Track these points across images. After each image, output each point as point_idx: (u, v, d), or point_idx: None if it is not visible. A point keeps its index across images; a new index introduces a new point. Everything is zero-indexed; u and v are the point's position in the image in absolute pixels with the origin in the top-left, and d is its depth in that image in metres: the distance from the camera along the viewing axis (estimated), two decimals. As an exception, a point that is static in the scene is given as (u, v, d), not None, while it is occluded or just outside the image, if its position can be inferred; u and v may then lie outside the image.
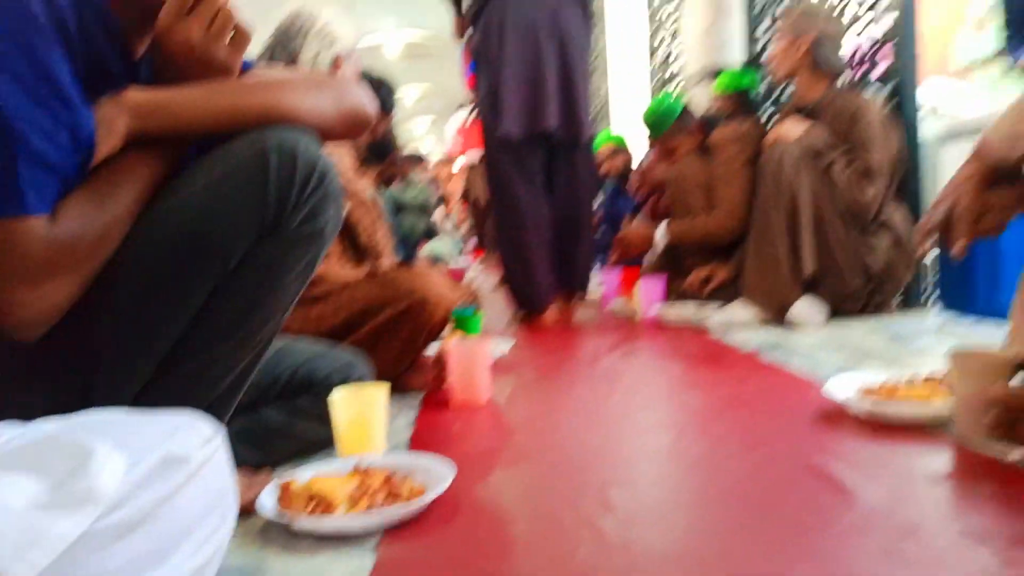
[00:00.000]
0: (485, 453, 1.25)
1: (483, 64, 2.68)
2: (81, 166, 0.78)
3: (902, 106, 2.47)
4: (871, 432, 1.18)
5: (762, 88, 3.43)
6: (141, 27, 0.89)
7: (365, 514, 0.91)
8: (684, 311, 2.54)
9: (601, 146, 4.08)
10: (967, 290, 2.51)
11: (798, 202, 2.25)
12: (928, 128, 2.85)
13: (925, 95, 2.95)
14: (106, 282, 0.79)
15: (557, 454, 1.23)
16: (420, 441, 1.32)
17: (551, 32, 2.60)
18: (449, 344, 1.61)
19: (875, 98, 2.46)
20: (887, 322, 2.26)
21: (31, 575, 0.52)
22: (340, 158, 1.79)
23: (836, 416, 1.28)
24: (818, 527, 0.85)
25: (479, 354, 1.58)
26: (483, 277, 4.81)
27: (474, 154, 5.69)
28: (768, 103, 3.40)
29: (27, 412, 0.70)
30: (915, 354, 1.78)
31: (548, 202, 2.69)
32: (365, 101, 1.00)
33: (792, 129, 2.34)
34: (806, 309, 2.25)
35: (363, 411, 1.15)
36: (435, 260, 4.94)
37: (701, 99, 3.60)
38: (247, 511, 0.93)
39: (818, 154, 2.28)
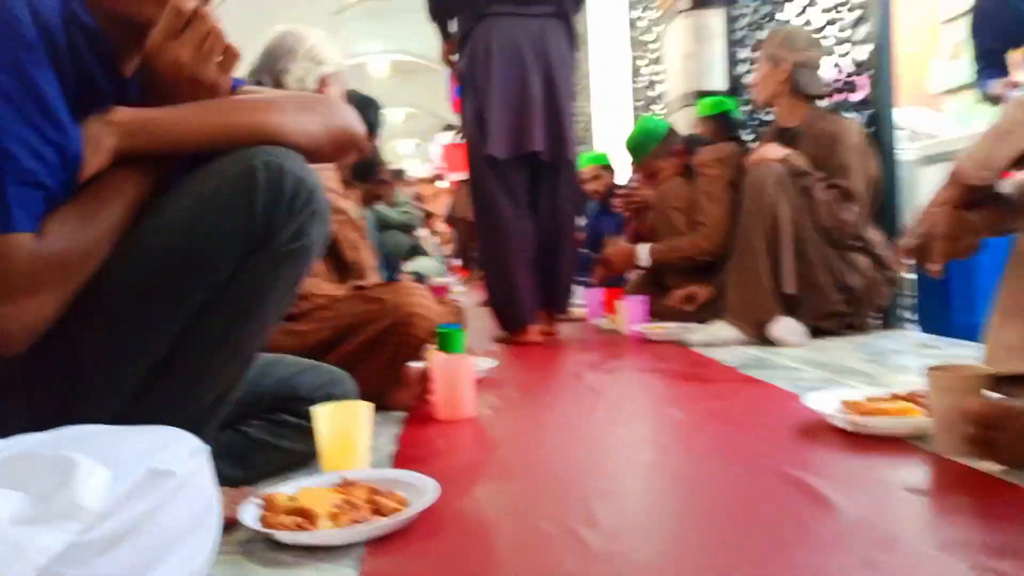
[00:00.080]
0: (469, 468, 1.25)
1: (469, 87, 2.71)
2: (68, 184, 0.79)
3: (880, 131, 2.52)
4: (851, 446, 1.20)
5: (744, 112, 3.49)
6: (130, 46, 0.90)
7: (348, 528, 0.91)
8: (667, 329, 2.56)
9: (585, 166, 4.13)
10: (944, 310, 2.55)
11: (779, 223, 2.28)
12: (905, 152, 2.91)
13: (902, 120, 3.02)
14: (92, 297, 0.80)
15: (541, 469, 1.24)
16: (404, 456, 1.32)
17: (537, 55, 2.64)
18: (433, 360, 1.62)
19: (854, 122, 2.51)
20: (866, 341, 2.29)
21: (14, 587, 0.52)
22: (326, 177, 1.80)
23: (817, 430, 1.29)
24: (798, 539, 0.87)
25: (463, 370, 1.58)
26: (467, 294, 4.82)
27: (460, 174, 5.73)
28: (750, 127, 3.46)
29: (9, 426, 0.70)
30: (893, 372, 1.81)
31: (532, 221, 2.72)
32: (353, 122, 1.01)
33: (773, 151, 2.38)
34: (787, 328, 2.28)
35: (347, 426, 1.15)
36: (419, 278, 4.94)
37: (683, 123, 3.66)
38: (230, 525, 0.92)
39: (798, 176, 2.32)
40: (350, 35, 9.59)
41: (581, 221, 3.88)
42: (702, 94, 3.67)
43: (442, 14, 2.79)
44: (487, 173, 2.66)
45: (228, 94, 0.92)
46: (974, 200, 1.14)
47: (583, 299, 3.37)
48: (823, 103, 2.58)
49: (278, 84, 1.71)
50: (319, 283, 1.65)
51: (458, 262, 7.28)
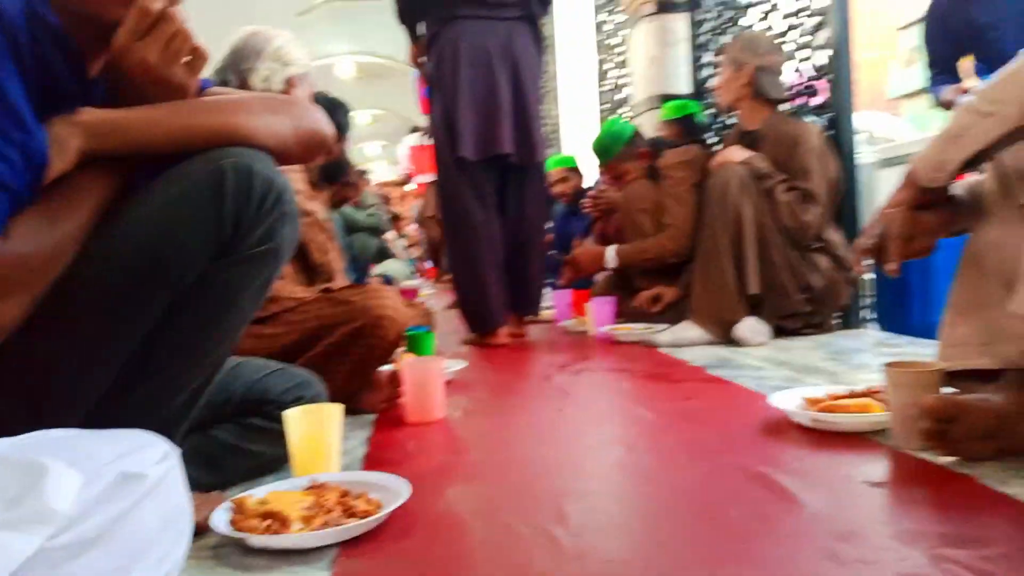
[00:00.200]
0: (440, 469, 1.26)
1: (437, 89, 2.71)
2: (33, 185, 0.78)
3: (839, 134, 2.58)
4: (813, 442, 1.23)
5: (708, 115, 3.54)
6: (96, 47, 0.89)
7: (321, 531, 0.91)
8: (634, 330, 2.59)
9: (552, 169, 4.15)
10: (902, 309, 2.62)
11: (742, 224, 2.33)
12: (864, 155, 2.99)
13: (861, 124, 3.10)
14: (58, 300, 0.79)
15: (511, 469, 1.25)
16: (375, 459, 1.32)
17: (504, 58, 2.65)
18: (403, 363, 1.62)
19: (814, 125, 2.57)
20: (827, 340, 2.34)
21: (-16, 593, 0.51)
22: (293, 179, 1.79)
23: (780, 428, 1.32)
24: (763, 533, 0.89)
25: (433, 373, 1.59)
26: (435, 297, 4.81)
27: (426, 176, 5.72)
28: (714, 130, 3.51)
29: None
30: (854, 369, 1.85)
31: (501, 223, 2.73)
32: (322, 123, 1.01)
33: (736, 153, 2.42)
34: (751, 327, 2.32)
35: (317, 429, 1.15)
36: (387, 280, 4.92)
37: (649, 125, 3.70)
38: (200, 530, 0.92)
39: (761, 178, 2.37)
40: (316, 36, 9.51)
41: (548, 223, 3.90)
42: (667, 97, 3.72)
43: (410, 16, 2.79)
44: (455, 175, 2.66)
45: (196, 95, 0.92)
46: (928, 201, 1.18)
47: (551, 301, 3.39)
48: (785, 107, 2.64)
49: (243, 83, 1.70)
50: (287, 286, 1.64)
51: (429, 264, 7.26)
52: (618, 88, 4.72)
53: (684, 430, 1.41)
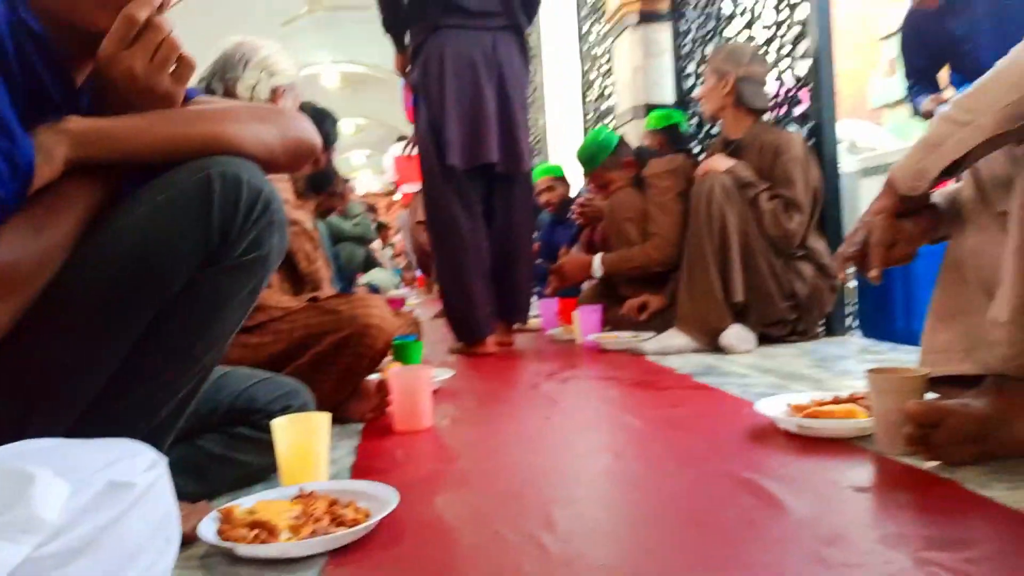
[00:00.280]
0: (428, 478, 1.26)
1: (423, 98, 2.72)
2: (19, 193, 0.78)
3: (822, 143, 2.61)
4: (799, 448, 1.24)
5: (692, 124, 3.57)
6: (82, 55, 0.89)
7: (309, 539, 0.90)
8: (621, 338, 2.60)
9: (539, 178, 4.17)
10: (885, 316, 2.65)
11: (727, 233, 2.35)
12: (847, 163, 3.02)
13: (843, 133, 3.13)
14: (44, 309, 0.78)
15: (499, 477, 1.25)
16: (363, 468, 1.32)
17: (489, 67, 2.66)
18: (390, 372, 1.62)
19: (797, 134, 2.60)
20: (812, 347, 2.36)
21: (-30, 603, 0.51)
22: (280, 188, 1.79)
23: (766, 434, 1.33)
24: (750, 538, 0.90)
25: (420, 381, 1.59)
26: (423, 306, 4.80)
27: (411, 185, 5.72)
28: (698, 139, 3.54)
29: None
30: (838, 376, 1.87)
31: (487, 232, 2.73)
32: (310, 133, 1.02)
33: (720, 162, 2.45)
34: (737, 335, 2.34)
35: (305, 438, 1.15)
36: (373, 290, 4.91)
37: (634, 134, 3.73)
38: (188, 540, 0.91)
39: (745, 186, 2.39)
40: (301, 45, 9.51)
41: (535, 232, 3.91)
42: (651, 107, 3.76)
43: (396, 26, 2.80)
44: (442, 184, 2.67)
45: (182, 104, 0.92)
46: (909, 209, 1.20)
47: (538, 310, 3.40)
48: (768, 116, 2.67)
49: (229, 92, 1.70)
50: (274, 295, 1.64)
51: (418, 272, 7.25)
52: (603, 97, 4.76)
53: (671, 437, 1.42)
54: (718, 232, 2.35)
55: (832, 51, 2.60)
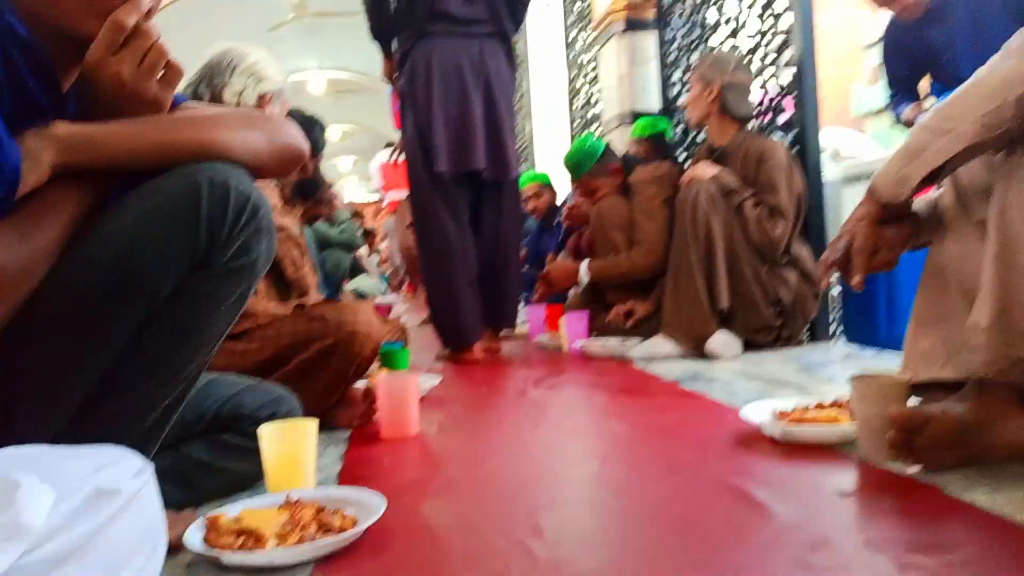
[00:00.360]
0: (416, 484, 1.26)
1: (410, 105, 2.72)
2: (5, 199, 0.77)
3: (805, 151, 2.64)
4: (784, 454, 1.25)
5: (678, 132, 3.60)
6: (69, 60, 0.88)
7: (297, 547, 0.90)
8: (608, 344, 2.61)
9: (526, 185, 4.18)
10: (868, 322, 2.68)
11: (713, 239, 2.36)
12: (830, 171, 3.05)
13: (827, 141, 3.16)
14: (30, 315, 0.78)
15: (487, 483, 1.25)
16: (350, 475, 1.31)
17: (477, 74, 2.67)
18: (377, 379, 1.62)
19: (781, 142, 2.63)
20: (797, 353, 2.38)
21: (-45, 611, 0.51)
22: (267, 194, 1.79)
23: (751, 440, 1.34)
24: (735, 543, 0.90)
25: (408, 388, 1.59)
26: (409, 312, 4.80)
27: (397, 192, 5.71)
28: (684, 146, 3.56)
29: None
30: (822, 382, 1.89)
31: (475, 239, 2.74)
32: (298, 139, 1.02)
33: (706, 170, 2.47)
34: (722, 341, 2.35)
35: (292, 445, 1.14)
36: (360, 296, 4.90)
37: (620, 142, 3.75)
38: (174, 548, 0.90)
39: (730, 193, 2.41)
40: (287, 52, 9.50)
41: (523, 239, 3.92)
42: (637, 114, 3.78)
43: (383, 32, 2.81)
44: (429, 191, 2.67)
45: (170, 110, 0.92)
46: (891, 216, 1.21)
47: (525, 316, 3.40)
48: (752, 124, 2.69)
49: (216, 98, 1.70)
50: (261, 302, 1.63)
51: (406, 280, 7.24)
52: (589, 104, 4.78)
53: (658, 443, 1.42)
54: (703, 239, 2.37)
55: (815, 60, 2.63)
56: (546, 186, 4.38)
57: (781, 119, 2.80)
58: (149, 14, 0.86)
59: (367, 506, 1.02)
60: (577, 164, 3.05)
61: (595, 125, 4.58)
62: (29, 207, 0.79)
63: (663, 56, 3.82)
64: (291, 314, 1.60)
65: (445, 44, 2.66)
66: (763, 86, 2.86)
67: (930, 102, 2.64)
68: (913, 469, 1.08)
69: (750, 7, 2.96)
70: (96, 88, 0.85)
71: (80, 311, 0.81)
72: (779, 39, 2.76)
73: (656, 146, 3.36)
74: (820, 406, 1.37)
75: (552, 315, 3.02)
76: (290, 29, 9.40)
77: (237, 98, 1.70)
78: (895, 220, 1.22)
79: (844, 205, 3.08)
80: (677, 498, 1.09)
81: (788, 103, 2.75)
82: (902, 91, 2.93)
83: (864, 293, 2.35)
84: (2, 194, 0.76)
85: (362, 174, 15.12)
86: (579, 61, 4.98)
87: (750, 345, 2.43)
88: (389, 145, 7.06)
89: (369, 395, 1.66)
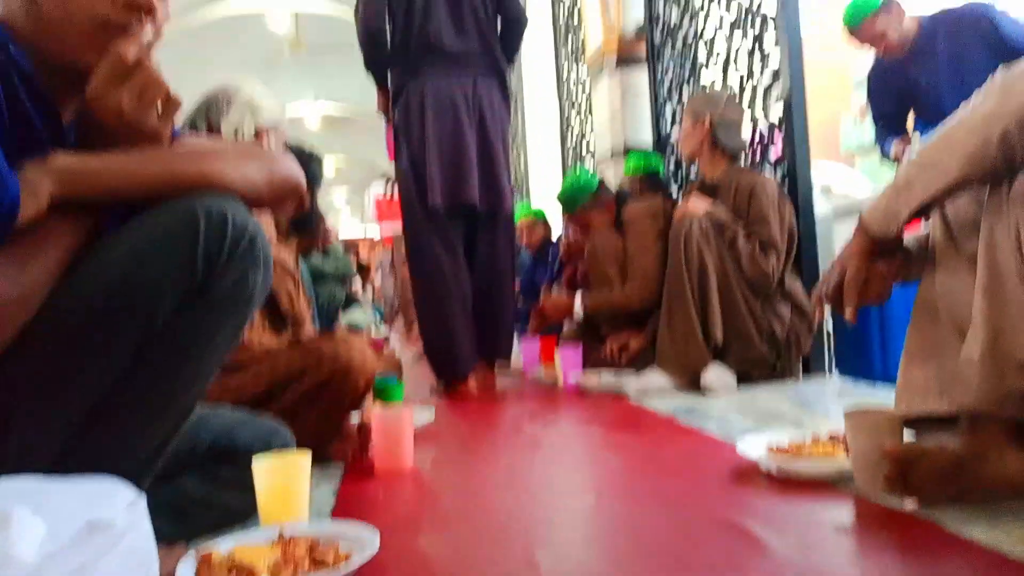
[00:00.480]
0: (410, 519, 1.24)
1: (404, 139, 2.75)
2: (3, 230, 0.77)
3: (796, 186, 2.66)
4: (780, 488, 1.24)
5: (671, 165, 3.63)
6: (69, 92, 0.89)
7: (289, 583, 0.89)
8: (603, 378, 2.60)
9: (521, 218, 4.20)
10: (862, 357, 2.68)
11: (706, 273, 2.38)
12: (822, 207, 3.08)
13: (818, 176, 3.20)
14: (26, 344, 0.78)
15: (482, 518, 1.24)
16: (344, 509, 1.30)
17: (471, 108, 2.70)
18: (372, 412, 1.61)
19: (771, 176, 2.65)
20: (791, 387, 2.38)
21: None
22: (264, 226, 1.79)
23: (747, 474, 1.34)
24: (733, 578, 0.89)
25: (402, 422, 1.58)
26: (404, 347, 4.78)
27: (391, 224, 5.74)
28: (677, 180, 3.60)
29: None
30: (817, 416, 1.88)
31: (469, 272, 2.74)
32: (295, 171, 1.03)
33: (698, 204, 2.49)
34: (717, 375, 2.35)
35: (286, 479, 1.13)
36: (354, 329, 4.88)
37: (613, 175, 3.79)
38: (164, 585, 0.89)
39: (722, 227, 2.43)
40: (283, 85, 9.59)
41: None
42: (630, 148, 3.82)
43: (378, 66, 2.84)
44: (423, 225, 2.69)
45: (169, 143, 0.92)
46: (881, 250, 1.23)
47: (520, 350, 3.40)
48: (743, 158, 2.72)
49: (213, 130, 1.71)
50: (256, 334, 1.63)
51: (400, 318, 7.23)
52: (583, 138, 4.83)
53: (653, 477, 1.42)
54: (697, 273, 2.38)
55: (805, 96, 2.67)
56: (540, 220, 4.40)
57: (772, 155, 2.83)
58: (148, 48, 0.88)
59: (361, 541, 1.00)
60: (571, 198, 3.08)
61: (589, 159, 4.63)
62: (27, 238, 0.79)
63: (655, 91, 3.88)
64: (286, 347, 1.60)
65: (439, 77, 2.70)
66: (752, 119, 2.90)
67: (915, 138, 2.69)
68: (909, 504, 1.08)
69: (738, 49, 3.01)
70: (96, 120, 0.86)
71: (77, 339, 0.80)
72: (768, 76, 2.81)
73: (649, 181, 3.39)
74: (816, 441, 1.37)
75: (546, 348, 3.02)
76: (286, 63, 9.51)
77: (234, 131, 1.72)
78: (886, 254, 1.23)
79: (836, 240, 3.11)
80: (674, 533, 1.08)
81: (778, 138, 2.79)
82: (888, 127, 2.98)
83: (857, 327, 2.36)
84: (0, 225, 0.76)
85: (355, 205, 15.17)
86: (572, 96, 5.05)
87: (744, 379, 2.43)
88: (383, 176, 7.11)
89: (363, 429, 1.65)
